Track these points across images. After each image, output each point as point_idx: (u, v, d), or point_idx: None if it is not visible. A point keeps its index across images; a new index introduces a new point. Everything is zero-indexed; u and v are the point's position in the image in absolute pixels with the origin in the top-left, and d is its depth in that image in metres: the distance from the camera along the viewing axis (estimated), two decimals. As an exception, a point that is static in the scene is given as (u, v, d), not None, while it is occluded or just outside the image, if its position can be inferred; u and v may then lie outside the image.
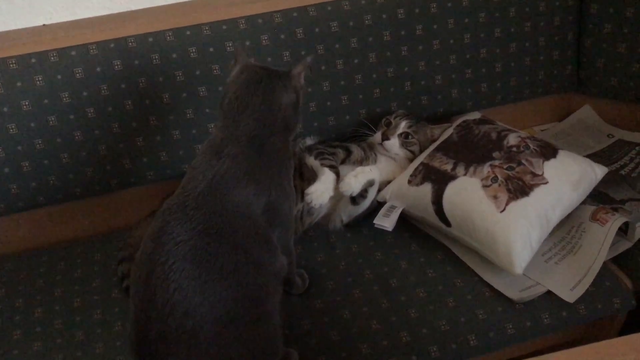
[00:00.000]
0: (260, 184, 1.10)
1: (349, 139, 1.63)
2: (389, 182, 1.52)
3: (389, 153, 1.56)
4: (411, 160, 1.56)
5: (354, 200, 1.45)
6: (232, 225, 1.03)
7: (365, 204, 1.48)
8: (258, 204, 1.09)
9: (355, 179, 1.41)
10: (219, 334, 0.95)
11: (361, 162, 1.54)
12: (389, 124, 1.59)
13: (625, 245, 1.35)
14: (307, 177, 1.46)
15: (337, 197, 1.46)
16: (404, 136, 1.55)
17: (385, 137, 1.54)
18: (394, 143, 1.54)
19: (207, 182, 1.06)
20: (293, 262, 1.26)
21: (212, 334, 0.94)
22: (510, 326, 1.23)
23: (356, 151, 1.55)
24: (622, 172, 1.58)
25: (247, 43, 1.47)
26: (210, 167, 1.08)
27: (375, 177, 1.45)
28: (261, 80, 1.13)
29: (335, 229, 1.51)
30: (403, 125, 1.56)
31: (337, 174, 1.44)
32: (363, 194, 1.45)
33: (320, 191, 1.39)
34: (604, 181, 1.45)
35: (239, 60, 1.18)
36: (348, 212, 1.49)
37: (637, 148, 1.67)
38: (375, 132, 1.59)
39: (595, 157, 1.61)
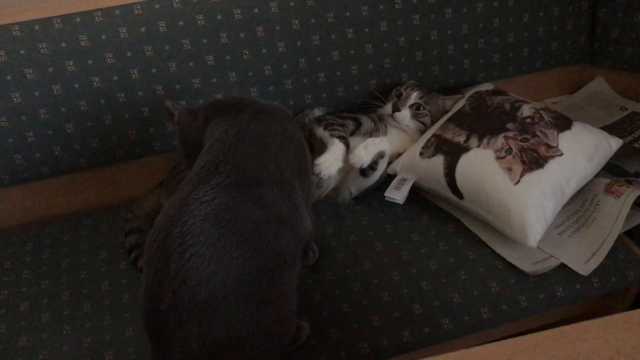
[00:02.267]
0: (286, 131, 1.13)
1: (359, 110, 1.60)
2: (399, 154, 1.50)
3: (400, 125, 1.53)
4: (422, 132, 1.53)
5: (364, 172, 1.43)
6: (258, 176, 1.02)
7: (375, 176, 1.46)
8: (286, 155, 1.09)
9: (366, 150, 1.38)
10: (231, 309, 0.92)
11: (371, 133, 1.51)
12: (399, 95, 1.55)
13: (640, 218, 1.33)
14: (317, 149, 1.44)
15: (347, 169, 1.44)
16: (416, 107, 1.52)
17: (396, 109, 1.51)
18: (405, 114, 1.51)
19: (233, 136, 1.07)
20: (313, 229, 1.23)
21: (224, 308, 0.91)
22: (524, 299, 1.21)
23: (366, 122, 1.52)
24: (636, 145, 1.55)
25: (255, 10, 1.44)
26: (232, 124, 1.10)
27: (386, 149, 1.43)
28: None
29: (344, 201, 1.49)
30: (414, 96, 1.53)
31: (347, 145, 1.42)
32: (373, 166, 1.43)
33: (330, 162, 1.37)
34: (618, 154, 1.43)
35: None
36: (357, 185, 1.47)
37: (651, 121, 1.64)
38: (385, 104, 1.56)
39: (608, 130, 1.58)
